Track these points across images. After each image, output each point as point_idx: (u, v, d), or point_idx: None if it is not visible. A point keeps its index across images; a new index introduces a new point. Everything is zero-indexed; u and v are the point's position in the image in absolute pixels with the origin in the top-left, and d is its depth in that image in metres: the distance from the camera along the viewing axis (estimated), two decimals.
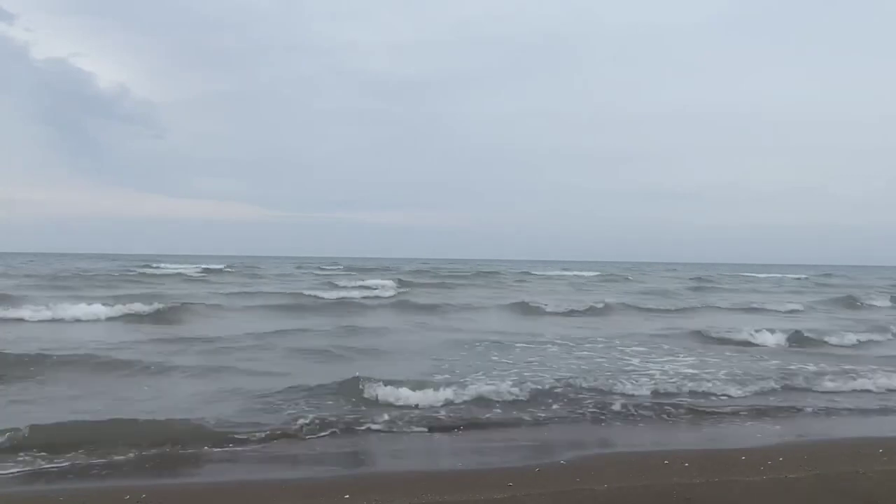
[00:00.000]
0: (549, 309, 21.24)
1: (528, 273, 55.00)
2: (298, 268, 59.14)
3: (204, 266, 53.73)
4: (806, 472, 5.21)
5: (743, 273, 69.23)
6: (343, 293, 26.54)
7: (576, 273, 56.41)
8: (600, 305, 22.08)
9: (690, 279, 49.01)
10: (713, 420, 7.31)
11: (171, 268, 50.08)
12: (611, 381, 8.78)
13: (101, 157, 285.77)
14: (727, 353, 11.99)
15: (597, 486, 4.87)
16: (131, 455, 5.55)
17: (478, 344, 12.51)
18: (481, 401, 7.77)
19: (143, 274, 39.89)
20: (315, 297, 24.51)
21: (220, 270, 47.97)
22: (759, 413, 7.60)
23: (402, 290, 30.01)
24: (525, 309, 21.20)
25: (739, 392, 8.53)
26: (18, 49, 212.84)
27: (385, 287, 30.84)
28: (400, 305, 21.72)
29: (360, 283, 33.12)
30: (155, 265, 54.63)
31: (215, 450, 5.79)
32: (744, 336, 14.18)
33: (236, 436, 6.13)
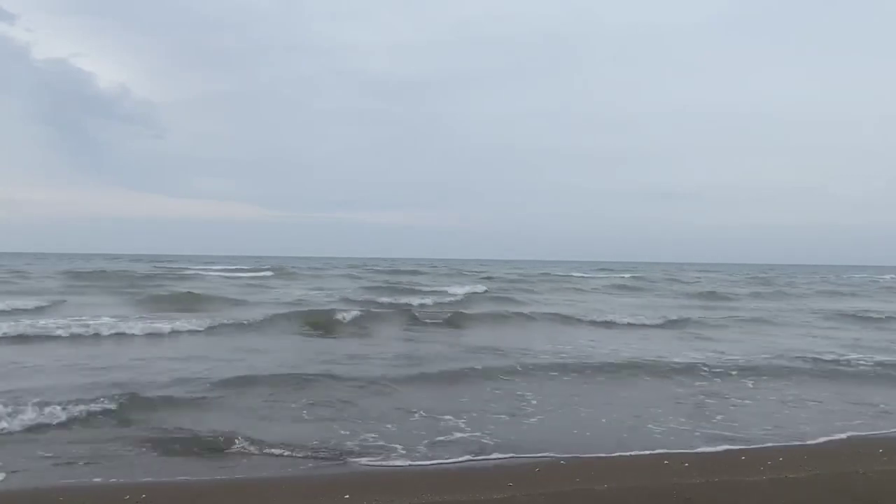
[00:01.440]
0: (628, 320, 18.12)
1: (548, 274, 52.02)
2: (353, 268, 55.75)
3: (233, 267, 50.99)
4: (806, 472, 5.21)
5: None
6: (420, 299, 23.21)
7: (594, 275, 52.96)
8: (743, 315, 20.73)
9: (753, 281, 46.35)
10: None
11: (197, 269, 46.77)
12: None
13: (101, 157, 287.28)
14: None
15: (596, 486, 4.86)
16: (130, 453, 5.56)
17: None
18: None
19: (192, 276, 38.04)
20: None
21: (270, 274, 43.03)
22: None
23: (490, 294, 27.15)
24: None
25: None
26: (19, 49, 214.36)
27: (460, 294, 26.42)
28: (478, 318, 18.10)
29: (439, 287, 29.12)
30: (187, 267, 50.65)
31: (214, 450, 5.81)
32: None
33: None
